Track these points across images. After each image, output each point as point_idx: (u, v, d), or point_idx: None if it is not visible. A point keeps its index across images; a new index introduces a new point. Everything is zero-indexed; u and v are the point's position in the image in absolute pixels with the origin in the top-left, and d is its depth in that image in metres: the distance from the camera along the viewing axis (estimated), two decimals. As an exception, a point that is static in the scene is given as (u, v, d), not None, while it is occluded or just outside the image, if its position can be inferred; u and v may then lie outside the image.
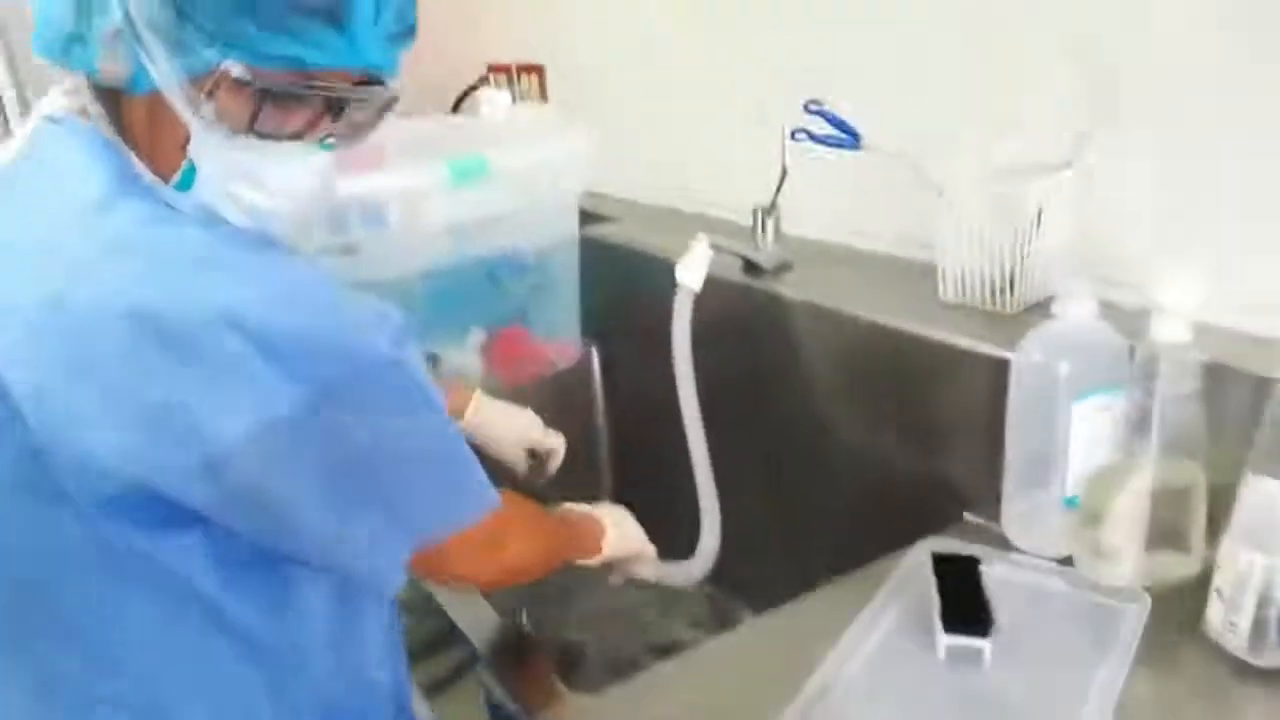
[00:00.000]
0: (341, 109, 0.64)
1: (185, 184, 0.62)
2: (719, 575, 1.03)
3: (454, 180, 1.09)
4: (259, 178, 0.62)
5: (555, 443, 1.10)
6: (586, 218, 1.35)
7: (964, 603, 0.74)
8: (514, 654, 0.80)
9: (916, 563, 0.82)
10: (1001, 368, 0.87)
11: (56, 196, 0.60)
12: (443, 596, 0.87)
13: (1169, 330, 0.76)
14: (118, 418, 0.55)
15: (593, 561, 0.92)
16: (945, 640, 0.72)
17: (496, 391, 1.28)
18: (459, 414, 1.05)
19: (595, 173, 1.60)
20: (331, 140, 0.66)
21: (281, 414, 0.55)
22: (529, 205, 1.21)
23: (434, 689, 0.91)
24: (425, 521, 0.65)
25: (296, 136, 0.63)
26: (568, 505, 0.94)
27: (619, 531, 0.94)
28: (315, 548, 0.61)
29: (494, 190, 1.16)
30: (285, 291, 0.57)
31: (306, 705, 0.66)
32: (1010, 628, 0.72)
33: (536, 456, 1.10)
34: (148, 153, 0.62)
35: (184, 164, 0.61)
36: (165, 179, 0.62)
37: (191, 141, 0.61)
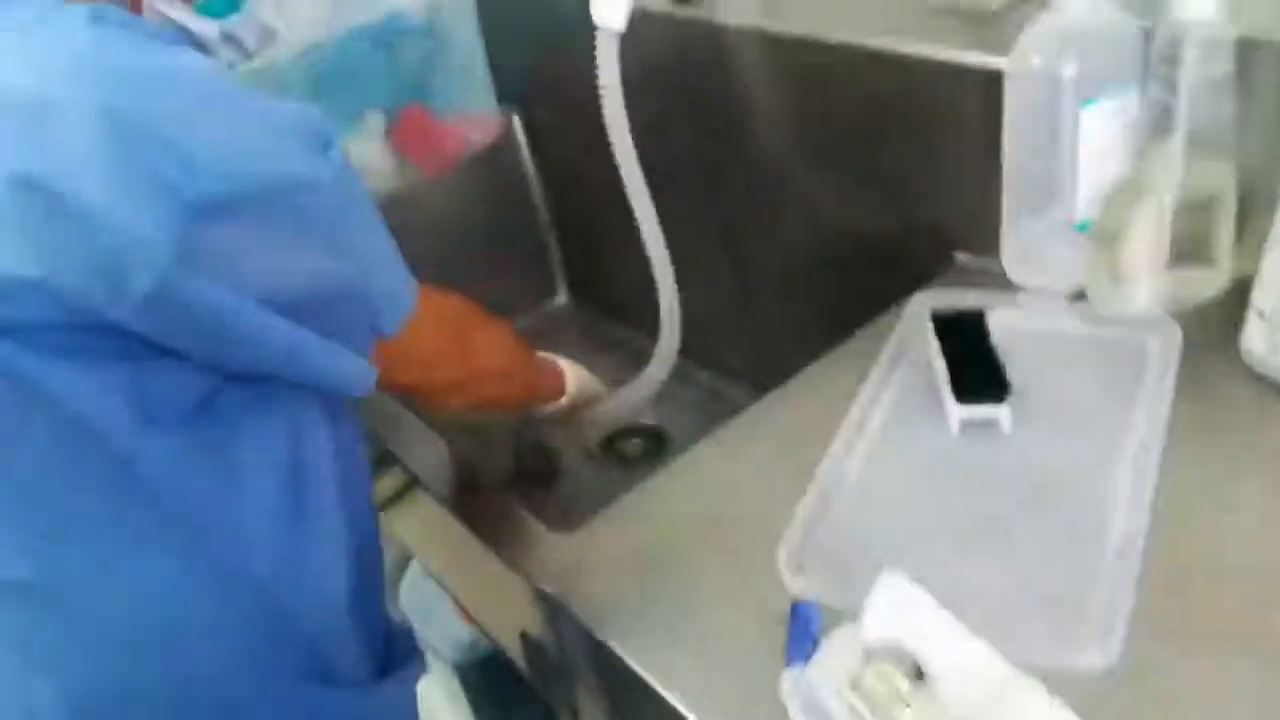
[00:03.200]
0: None
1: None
2: (706, 361, 0.94)
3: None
4: None
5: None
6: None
7: (973, 366, 0.65)
8: (470, 485, 0.71)
9: (913, 322, 0.72)
10: (990, 80, 0.73)
11: None
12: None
13: (1194, 2, 0.62)
14: None
15: (558, 405, 0.82)
16: (959, 412, 0.64)
17: (417, 185, 1.12)
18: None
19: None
20: None
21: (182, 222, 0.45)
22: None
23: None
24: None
25: None
26: None
27: (574, 370, 0.84)
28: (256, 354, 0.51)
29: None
30: (189, 96, 0.47)
31: (248, 605, 0.56)
32: (1027, 384, 0.64)
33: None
34: None
35: None
36: None
37: None
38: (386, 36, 1.05)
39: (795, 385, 0.72)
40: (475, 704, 1.23)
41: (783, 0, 0.91)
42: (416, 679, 0.68)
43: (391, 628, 0.69)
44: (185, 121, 0.46)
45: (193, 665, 0.54)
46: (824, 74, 0.85)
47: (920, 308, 0.73)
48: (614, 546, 0.61)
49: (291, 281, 0.50)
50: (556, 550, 0.63)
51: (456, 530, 0.70)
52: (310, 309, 0.51)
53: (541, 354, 0.83)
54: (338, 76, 1.01)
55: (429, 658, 1.35)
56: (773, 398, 0.71)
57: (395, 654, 0.68)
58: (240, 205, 0.47)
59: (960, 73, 0.75)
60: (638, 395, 0.89)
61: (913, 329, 0.72)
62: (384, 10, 1.02)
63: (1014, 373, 0.65)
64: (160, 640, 0.53)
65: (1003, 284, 0.75)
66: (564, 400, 0.82)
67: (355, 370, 0.55)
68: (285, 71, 0.96)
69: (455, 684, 1.24)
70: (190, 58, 0.50)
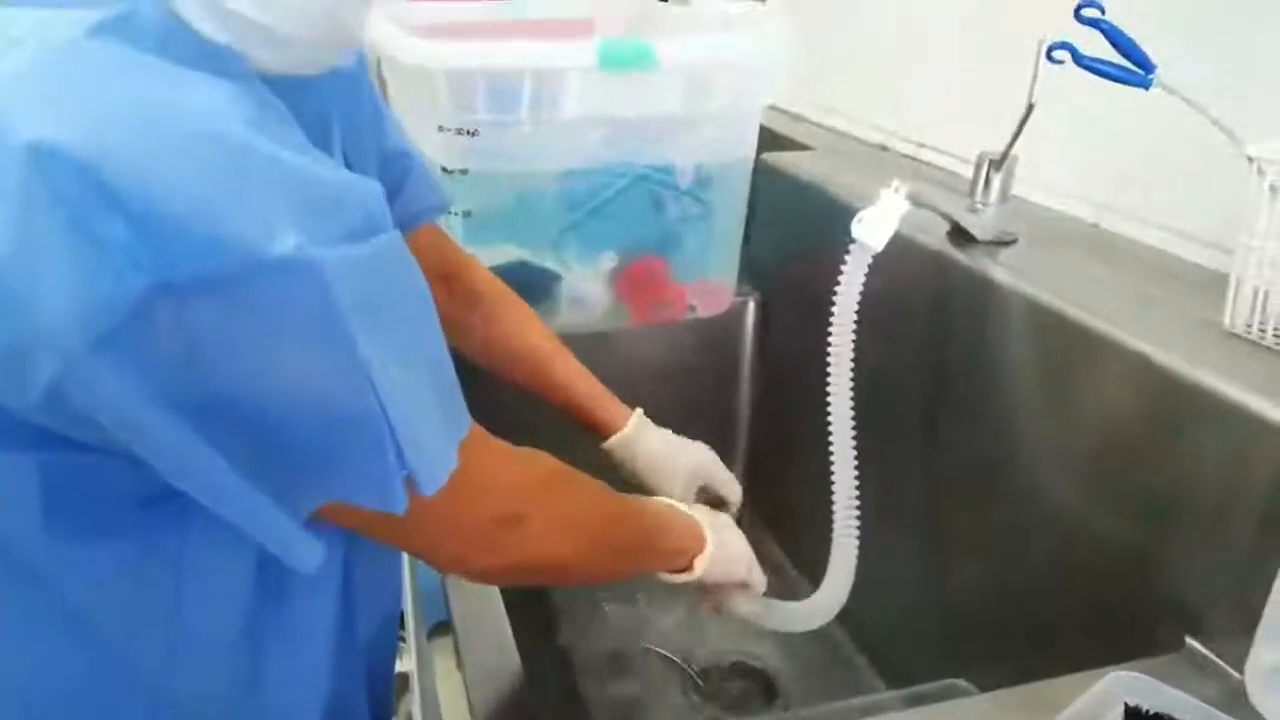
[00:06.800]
0: None
1: None
2: (845, 617, 0.81)
3: (602, 64, 0.88)
4: None
5: (734, 487, 0.89)
6: (769, 140, 1.10)
7: (1162, 798, 0.48)
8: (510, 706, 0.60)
9: (1103, 703, 0.56)
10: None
11: None
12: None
13: None
14: None
15: (679, 579, 0.71)
16: None
17: (621, 329, 1.09)
18: (609, 432, 0.84)
19: (790, 85, 1.35)
20: None
21: (110, 303, 0.36)
22: (699, 112, 0.99)
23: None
24: (308, 491, 0.43)
25: None
26: (663, 500, 0.74)
27: (720, 543, 0.72)
28: (186, 481, 0.41)
29: (658, 86, 0.95)
30: (158, 134, 0.37)
31: None
32: None
33: (709, 501, 0.87)
34: None
35: None
36: None
37: None
38: (653, 185, 1.03)
39: (939, 715, 0.58)
40: None
41: (1069, 275, 0.79)
42: None
43: None
44: (148, 172, 0.36)
45: None
46: (1091, 367, 0.72)
47: (1118, 688, 0.56)
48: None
49: (251, 387, 0.39)
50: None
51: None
52: (277, 429, 0.40)
53: (686, 510, 0.73)
54: (588, 206, 0.99)
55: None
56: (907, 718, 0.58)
57: None
58: (200, 283, 0.37)
59: (1257, 426, 0.60)
60: (778, 623, 0.80)
61: (1099, 711, 0.56)
62: (658, 157, 1.01)
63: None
64: None
65: (1234, 700, 0.58)
66: (683, 579, 0.71)
67: (292, 538, 0.42)
68: (539, 183, 0.96)
69: None
70: (207, 93, 0.39)
